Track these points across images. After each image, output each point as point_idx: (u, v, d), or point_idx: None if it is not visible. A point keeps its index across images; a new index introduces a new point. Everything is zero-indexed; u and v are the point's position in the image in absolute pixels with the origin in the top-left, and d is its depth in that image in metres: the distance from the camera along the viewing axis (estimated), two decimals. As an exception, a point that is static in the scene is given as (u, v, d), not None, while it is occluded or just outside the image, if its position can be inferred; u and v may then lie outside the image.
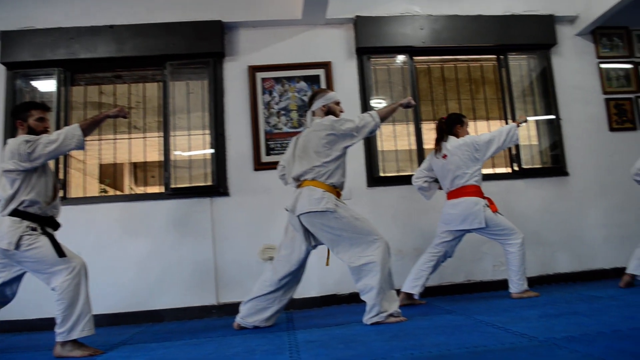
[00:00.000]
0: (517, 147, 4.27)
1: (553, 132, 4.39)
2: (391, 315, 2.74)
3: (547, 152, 4.42)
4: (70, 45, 3.96)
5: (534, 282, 4.10)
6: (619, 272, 4.16)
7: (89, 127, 2.57)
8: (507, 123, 4.39)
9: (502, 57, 4.45)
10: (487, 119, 4.51)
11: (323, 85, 4.18)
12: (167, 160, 3.95)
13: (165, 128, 4.01)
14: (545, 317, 2.58)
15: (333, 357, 2.02)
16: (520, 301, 3.27)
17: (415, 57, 4.37)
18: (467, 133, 3.52)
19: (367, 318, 2.74)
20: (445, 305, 3.40)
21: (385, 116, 2.99)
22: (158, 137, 4.12)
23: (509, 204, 4.16)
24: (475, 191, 3.34)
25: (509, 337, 2.13)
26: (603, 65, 4.57)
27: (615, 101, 4.51)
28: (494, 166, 4.46)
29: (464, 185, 3.32)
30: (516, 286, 3.35)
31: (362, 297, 2.78)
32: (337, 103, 3.03)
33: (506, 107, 4.38)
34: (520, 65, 4.56)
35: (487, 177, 4.21)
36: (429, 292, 3.85)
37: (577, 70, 4.52)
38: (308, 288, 3.67)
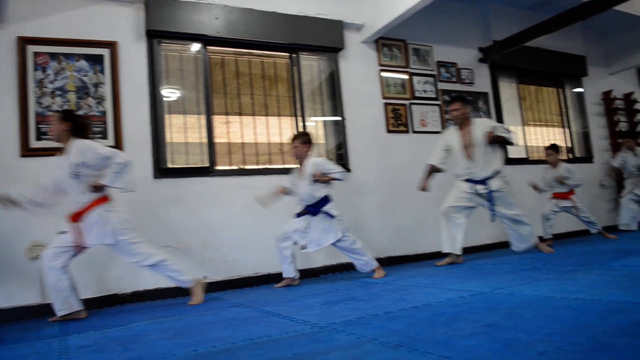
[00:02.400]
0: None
1: (339, 132, 5.48)
2: None
3: (333, 150, 5.48)
4: None
5: (319, 272, 5.09)
6: (392, 260, 5.48)
7: None
8: (297, 121, 5.31)
9: (294, 55, 5.42)
10: (279, 115, 5.37)
11: (107, 67, 4.49)
12: None
13: None
14: (327, 304, 3.14)
15: (109, 361, 2.18)
16: (305, 290, 4.18)
17: (209, 47, 5.05)
18: None
19: None
20: (233, 298, 4.08)
21: None
22: None
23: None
24: None
25: (292, 326, 2.53)
26: (383, 74, 5.87)
27: (393, 106, 5.87)
28: (284, 162, 5.32)
29: None
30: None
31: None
32: None
33: (297, 105, 5.34)
34: (311, 66, 5.60)
35: (277, 172, 5.08)
36: (217, 286, 4.57)
37: (361, 75, 5.77)
38: (84, 289, 4.01)
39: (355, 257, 4.52)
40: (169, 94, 4.95)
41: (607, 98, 8.47)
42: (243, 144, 5.29)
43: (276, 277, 4.84)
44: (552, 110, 7.97)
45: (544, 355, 1.55)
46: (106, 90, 4.57)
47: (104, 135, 4.48)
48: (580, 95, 8.20)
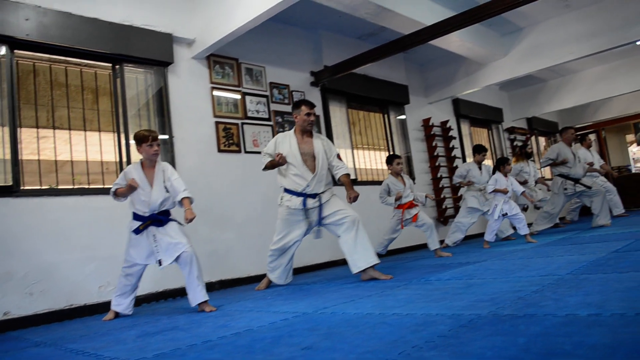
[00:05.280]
0: (129, 162, 5.09)
1: (167, 150, 5.37)
2: None
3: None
4: None
5: (141, 302, 4.90)
6: (224, 283, 5.54)
7: None
8: (119, 138, 5.09)
9: (117, 67, 5.21)
10: (99, 131, 5.11)
11: None
12: None
13: None
14: (143, 337, 3.07)
15: None
16: (122, 322, 4.00)
17: (17, 51, 4.67)
18: None
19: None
20: (36, 336, 3.73)
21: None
22: None
23: (119, 219, 4.87)
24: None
25: (95, 365, 2.45)
26: (215, 92, 5.92)
27: (224, 125, 5.92)
28: (104, 183, 5.06)
29: None
30: None
31: None
32: None
33: (119, 120, 5.11)
34: (137, 79, 5.46)
35: (96, 192, 4.82)
36: (21, 323, 4.24)
37: (191, 91, 5.78)
38: None
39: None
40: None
41: (426, 125, 9.50)
42: (56, 161, 4.91)
43: (94, 308, 4.65)
44: (378, 135, 8.68)
45: (356, 375, 1.68)
46: None
47: None
48: (403, 122, 9.08)
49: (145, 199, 4.05)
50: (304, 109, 4.83)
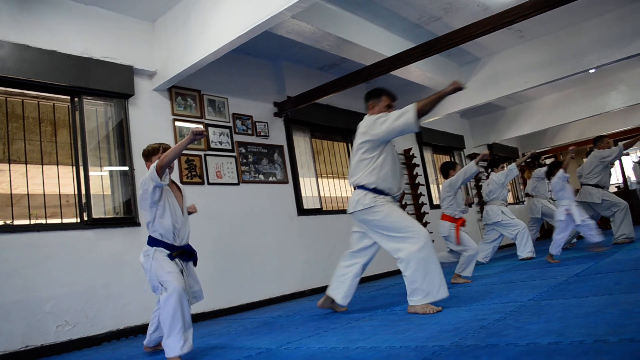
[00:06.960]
0: (88, 196, 4.93)
1: (127, 183, 5.29)
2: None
3: (120, 202, 5.26)
4: None
5: (103, 340, 4.75)
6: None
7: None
8: (78, 170, 4.99)
9: (76, 99, 5.15)
10: (58, 164, 5.01)
11: None
12: None
13: None
14: None
15: None
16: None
17: (-29, 85, 4.52)
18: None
19: None
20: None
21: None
22: None
23: (78, 255, 4.76)
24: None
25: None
26: (178, 123, 5.89)
27: (187, 156, 5.86)
28: (62, 216, 4.94)
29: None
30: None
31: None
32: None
33: (78, 152, 5.02)
34: (96, 111, 5.42)
35: (53, 227, 4.70)
36: None
37: (153, 123, 5.75)
38: None
39: None
40: None
41: (390, 153, 9.61)
42: (12, 195, 4.78)
43: (52, 349, 4.45)
44: (343, 164, 8.76)
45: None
46: None
47: None
48: (367, 150, 9.16)
49: (178, 221, 3.52)
50: (385, 99, 4.09)
